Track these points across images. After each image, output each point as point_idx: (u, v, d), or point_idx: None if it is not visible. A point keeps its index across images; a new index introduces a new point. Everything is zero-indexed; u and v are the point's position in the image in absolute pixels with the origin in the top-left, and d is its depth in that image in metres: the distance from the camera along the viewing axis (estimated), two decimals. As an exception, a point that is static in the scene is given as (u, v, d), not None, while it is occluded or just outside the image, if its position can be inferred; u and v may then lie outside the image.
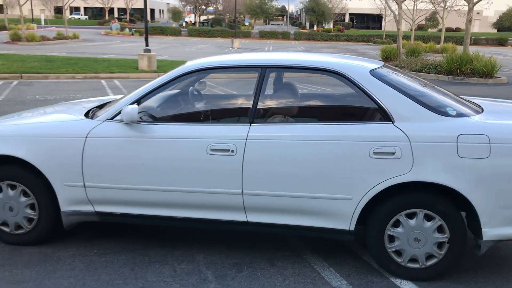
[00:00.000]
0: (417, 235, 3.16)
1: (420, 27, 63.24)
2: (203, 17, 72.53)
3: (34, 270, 3.32)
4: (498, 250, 3.74)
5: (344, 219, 3.22)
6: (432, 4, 32.00)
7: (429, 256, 3.20)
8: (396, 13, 23.27)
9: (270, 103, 3.50)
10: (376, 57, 26.15)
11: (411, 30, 35.17)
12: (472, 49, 20.14)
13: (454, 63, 16.11)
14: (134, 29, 46.72)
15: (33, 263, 3.42)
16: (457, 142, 3.03)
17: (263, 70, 3.42)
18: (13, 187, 3.59)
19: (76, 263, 3.43)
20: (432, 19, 47.43)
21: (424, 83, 3.64)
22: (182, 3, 69.83)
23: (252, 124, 3.28)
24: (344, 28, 61.39)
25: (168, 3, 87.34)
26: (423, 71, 17.60)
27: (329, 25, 59.78)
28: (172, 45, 34.79)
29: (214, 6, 74.76)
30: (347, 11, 64.08)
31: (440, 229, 3.14)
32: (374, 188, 3.11)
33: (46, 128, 3.49)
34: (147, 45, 16.81)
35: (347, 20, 69.02)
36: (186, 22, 68.04)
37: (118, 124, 3.41)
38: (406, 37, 46.59)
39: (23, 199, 3.59)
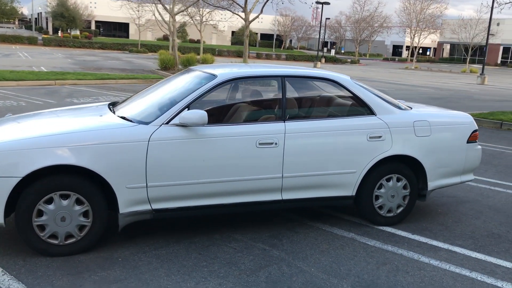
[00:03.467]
0: (392, 193, 4.58)
1: (166, 37, 66.70)
2: None
3: (118, 271, 3.48)
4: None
5: (350, 188, 4.41)
6: (190, 18, 34.74)
7: (398, 206, 4.66)
8: (171, 25, 24.79)
9: (291, 105, 4.40)
10: (155, 66, 27.24)
11: (165, 39, 37.26)
12: (220, 60, 23.15)
13: (239, 72, 18.48)
14: None
15: (106, 265, 3.55)
16: (414, 126, 4.57)
17: (282, 79, 4.32)
18: (64, 197, 3.58)
19: (147, 259, 3.69)
20: (181, 31, 50.80)
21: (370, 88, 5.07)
22: None
23: (285, 121, 4.16)
24: (92, 35, 60.08)
25: None
26: (210, 79, 19.53)
27: (76, 32, 57.62)
28: None
29: None
30: (93, 18, 62.83)
31: (405, 187, 4.63)
32: (370, 162, 4.40)
33: (105, 136, 3.63)
34: None
35: (93, 27, 67.56)
36: None
37: (175, 127, 3.82)
38: (159, 46, 48.76)
39: (77, 207, 3.61)
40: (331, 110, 4.50)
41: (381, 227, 4.61)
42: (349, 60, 56.61)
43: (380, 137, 4.42)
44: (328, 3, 42.02)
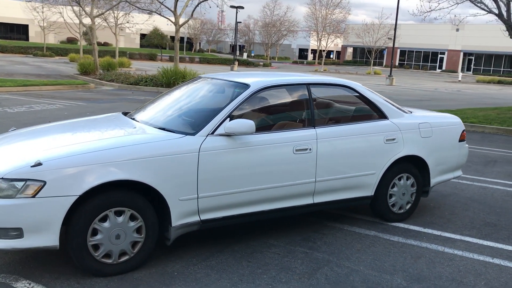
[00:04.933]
0: (403, 191, 4.91)
1: (70, 40, 63.49)
2: None
3: (182, 285, 3.42)
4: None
5: (370, 188, 4.67)
6: (104, 20, 33.41)
7: (407, 203, 5.00)
8: (89, 28, 23.74)
9: (316, 111, 4.54)
10: (70, 70, 25.89)
11: (69, 41, 35.29)
12: (136, 64, 22.74)
13: (171, 77, 18.23)
14: None
15: (167, 281, 3.46)
16: (419, 128, 4.94)
17: (308, 86, 4.46)
18: (118, 213, 3.43)
19: (202, 270, 3.65)
20: (89, 33, 48.56)
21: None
22: None
23: (315, 128, 4.31)
24: (-14, 38, 55.49)
25: None
26: (140, 84, 19.04)
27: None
28: None
29: None
30: (-14, 19, 58.04)
31: (412, 185, 4.99)
32: (387, 163, 4.69)
33: (157, 148, 3.53)
34: None
35: (-14, 29, 62.33)
36: None
37: (220, 137, 3.81)
38: (66, 49, 46.25)
39: (131, 224, 3.48)
40: (350, 115, 4.72)
41: (394, 224, 4.92)
42: (261, 63, 57.65)
43: (394, 139, 4.72)
44: (242, 7, 42.59)
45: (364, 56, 69.45)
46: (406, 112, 5.06)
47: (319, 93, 4.71)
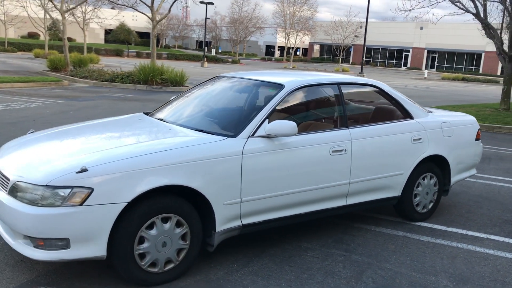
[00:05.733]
0: (427, 190, 4.91)
1: (32, 35, 61.52)
2: None
3: (233, 293, 3.29)
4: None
5: (398, 189, 4.64)
6: (72, 15, 32.40)
7: (430, 202, 5.00)
8: (60, 23, 22.96)
9: (349, 111, 4.47)
10: (38, 66, 25.03)
11: (30, 36, 34.04)
12: (104, 60, 22.21)
13: (149, 74, 17.84)
14: None
15: (215, 290, 3.32)
16: (441, 128, 4.95)
17: (338, 86, 4.39)
18: (164, 220, 3.26)
19: (247, 277, 3.53)
20: (54, 28, 47.13)
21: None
22: None
23: (348, 128, 4.24)
24: None
25: None
26: (116, 80, 18.55)
27: None
28: None
29: None
30: None
31: (435, 184, 4.99)
32: (414, 163, 4.68)
33: (202, 151, 3.38)
34: None
35: None
36: None
37: (260, 139, 3.69)
38: (28, 45, 44.72)
39: (177, 230, 3.32)
40: (379, 115, 4.68)
41: (418, 223, 4.91)
42: (230, 60, 57.38)
43: (420, 139, 4.71)
44: (212, 3, 42.21)
45: (331, 53, 70.19)
46: (428, 112, 5.06)
47: (347, 93, 4.64)
